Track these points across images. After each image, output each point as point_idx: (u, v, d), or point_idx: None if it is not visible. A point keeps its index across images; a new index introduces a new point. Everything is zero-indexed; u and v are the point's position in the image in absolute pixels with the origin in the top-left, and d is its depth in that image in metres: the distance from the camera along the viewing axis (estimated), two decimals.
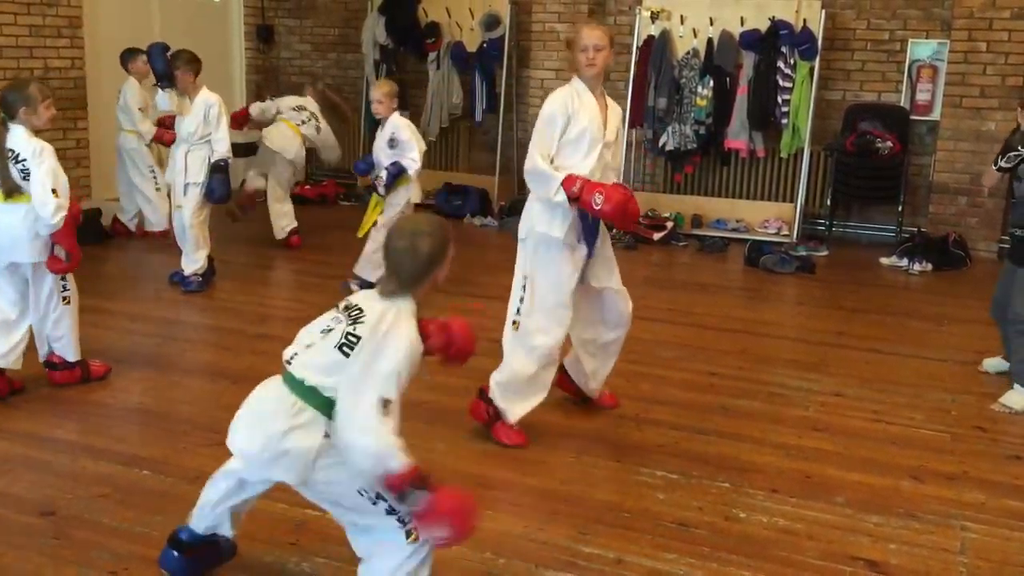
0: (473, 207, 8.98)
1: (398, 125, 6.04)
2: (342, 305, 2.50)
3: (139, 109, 7.27)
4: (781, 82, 8.12)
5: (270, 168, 7.41)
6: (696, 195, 8.85)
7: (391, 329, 2.40)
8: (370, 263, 5.99)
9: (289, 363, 2.47)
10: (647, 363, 4.93)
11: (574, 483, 3.56)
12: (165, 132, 7.12)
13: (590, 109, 3.83)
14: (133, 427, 4.01)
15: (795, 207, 8.31)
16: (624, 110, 8.71)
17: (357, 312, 2.45)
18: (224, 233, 7.72)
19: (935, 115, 8.14)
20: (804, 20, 8.08)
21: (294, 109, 7.55)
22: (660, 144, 8.59)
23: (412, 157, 6.01)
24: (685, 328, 5.59)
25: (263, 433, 2.44)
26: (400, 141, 6.00)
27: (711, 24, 8.38)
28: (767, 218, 8.49)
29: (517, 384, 3.90)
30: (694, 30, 8.45)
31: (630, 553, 3.04)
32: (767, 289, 6.88)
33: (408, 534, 2.46)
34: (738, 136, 8.37)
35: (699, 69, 8.37)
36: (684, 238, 8.27)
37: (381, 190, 6.01)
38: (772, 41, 8.12)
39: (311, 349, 2.45)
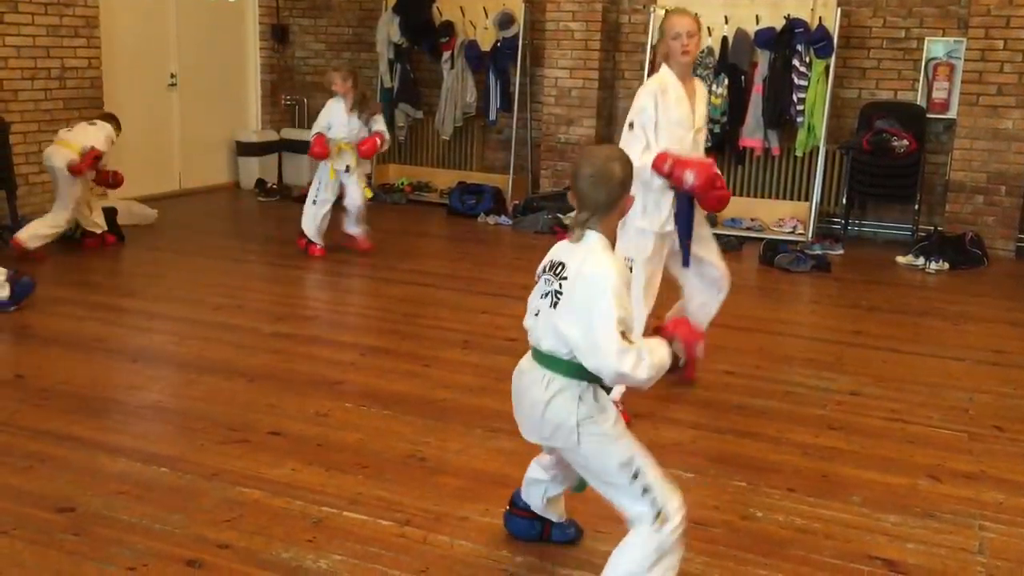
0: (487, 206, 8.99)
1: None
2: (548, 265, 2.60)
3: None
4: (796, 80, 8.09)
5: None
6: None
7: (593, 262, 2.49)
8: None
9: (530, 338, 2.63)
10: None
11: None
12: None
13: (678, 98, 4.03)
14: (150, 424, 4.03)
15: (810, 206, 8.28)
16: None
17: (560, 267, 2.55)
18: (242, 233, 7.76)
19: (952, 113, 8.09)
20: (820, 18, 8.05)
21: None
22: None
23: None
24: None
25: (530, 406, 2.61)
26: None
27: (726, 22, 8.36)
28: (782, 217, 8.46)
29: None
30: (709, 28, 8.42)
31: None
32: (782, 288, 6.86)
33: (657, 516, 2.54)
34: (753, 134, 8.35)
35: (714, 67, 8.35)
36: None
37: None
38: (787, 39, 8.09)
39: (539, 317, 2.57)
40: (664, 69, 4.07)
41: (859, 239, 8.44)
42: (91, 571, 2.85)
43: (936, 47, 8.15)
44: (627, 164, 2.58)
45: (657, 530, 2.54)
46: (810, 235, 8.12)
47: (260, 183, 9.99)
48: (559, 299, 2.51)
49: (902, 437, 4.06)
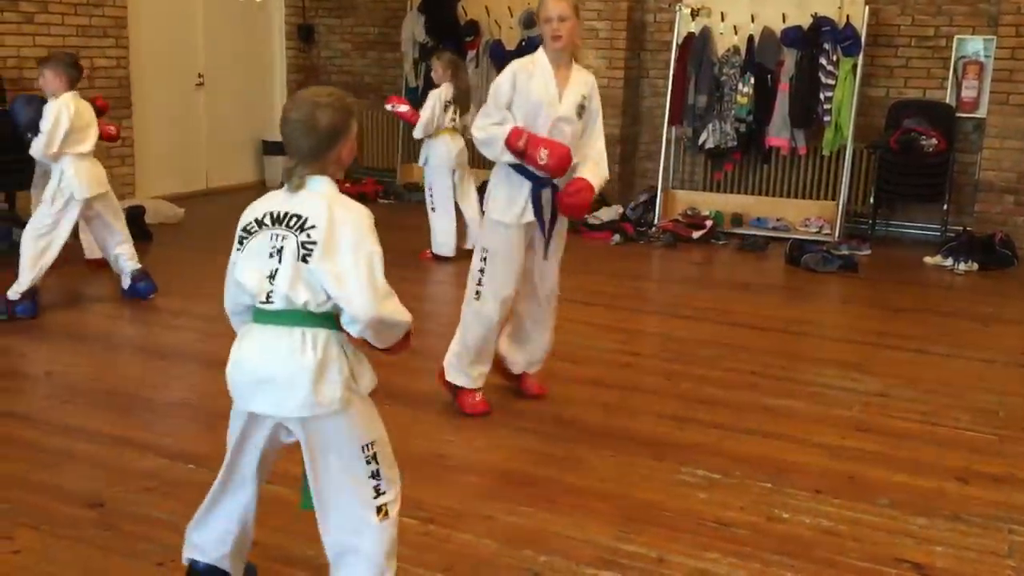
0: None
1: None
2: (272, 218, 2.30)
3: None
4: (823, 79, 8.03)
5: None
6: (736, 193, 8.79)
7: (342, 205, 2.29)
8: None
9: (269, 301, 2.30)
10: (687, 362, 4.90)
11: (614, 481, 3.55)
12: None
13: (543, 81, 3.81)
14: (178, 421, 4.06)
15: (837, 205, 8.22)
16: (664, 107, 8.69)
17: (295, 219, 2.28)
18: None
19: (981, 112, 8.01)
20: (847, 16, 7.99)
21: None
22: (700, 142, 8.54)
23: None
24: (726, 327, 5.55)
25: (295, 372, 2.30)
26: None
27: (752, 21, 8.31)
28: (808, 217, 8.40)
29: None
30: (735, 27, 8.39)
31: (672, 552, 3.03)
32: (809, 288, 6.81)
33: (379, 510, 2.45)
34: (779, 133, 8.30)
35: (740, 66, 8.31)
36: (724, 237, 8.22)
37: None
38: (814, 37, 8.03)
39: (279, 276, 2.27)
40: (540, 51, 3.85)
41: (887, 239, 8.36)
42: (120, 566, 2.88)
43: (966, 45, 8.07)
44: (338, 112, 2.31)
45: (383, 521, 2.46)
46: (837, 235, 8.06)
47: None
48: (311, 250, 2.23)
49: (930, 439, 4.02)
